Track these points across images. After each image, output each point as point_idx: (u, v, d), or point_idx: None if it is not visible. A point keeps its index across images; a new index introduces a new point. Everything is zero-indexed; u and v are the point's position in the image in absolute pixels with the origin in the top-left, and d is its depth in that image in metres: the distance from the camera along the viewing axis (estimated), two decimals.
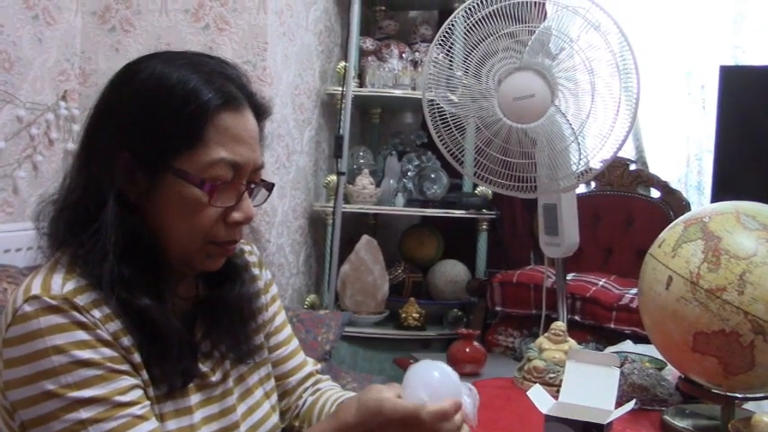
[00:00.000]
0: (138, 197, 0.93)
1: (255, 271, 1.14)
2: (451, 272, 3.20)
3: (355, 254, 2.96)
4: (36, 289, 0.87)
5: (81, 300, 0.88)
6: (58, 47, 2.39)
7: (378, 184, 3.11)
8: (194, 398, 0.98)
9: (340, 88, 2.98)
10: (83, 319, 0.87)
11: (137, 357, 0.91)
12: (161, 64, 0.95)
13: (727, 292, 1.27)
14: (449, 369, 0.96)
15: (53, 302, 0.86)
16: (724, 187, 2.67)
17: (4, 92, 2.13)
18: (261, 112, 1.00)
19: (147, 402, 0.90)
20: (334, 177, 2.97)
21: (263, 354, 1.11)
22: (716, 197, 2.75)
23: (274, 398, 1.12)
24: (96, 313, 0.88)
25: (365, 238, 2.99)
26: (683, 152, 3.35)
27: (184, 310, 1.01)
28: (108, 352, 0.88)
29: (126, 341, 0.90)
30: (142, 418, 0.88)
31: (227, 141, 0.93)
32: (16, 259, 1.93)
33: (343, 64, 3.03)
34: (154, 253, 0.94)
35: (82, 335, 0.86)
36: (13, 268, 1.67)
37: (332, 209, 2.96)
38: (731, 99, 2.71)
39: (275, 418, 1.10)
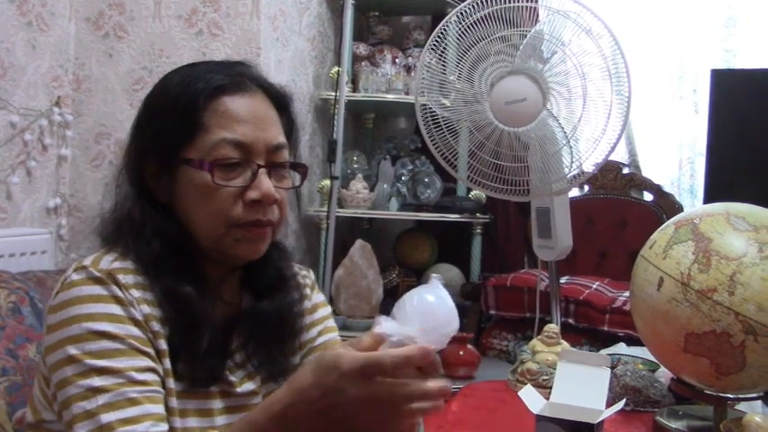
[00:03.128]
0: (166, 196, 1.00)
1: (306, 291, 1.14)
2: (446, 276, 3.20)
3: (349, 258, 2.96)
4: (87, 262, 0.94)
5: (124, 278, 0.93)
6: (51, 53, 2.39)
7: (372, 189, 3.11)
8: (217, 403, 0.99)
9: (333, 93, 2.99)
10: (120, 294, 0.92)
11: (163, 344, 0.93)
12: (173, 71, 1.04)
13: (717, 292, 1.27)
14: (445, 293, 0.86)
15: (97, 274, 0.92)
16: (716, 190, 2.67)
17: None
18: (280, 102, 1.03)
19: (161, 389, 0.91)
20: (327, 182, 2.97)
21: None
22: (708, 200, 2.76)
23: None
24: (135, 293, 0.93)
25: (359, 242, 2.99)
26: (675, 155, 3.36)
27: (225, 316, 1.03)
28: (135, 331, 0.91)
29: (156, 326, 0.93)
30: (151, 400, 0.89)
31: (227, 123, 0.97)
32: (10, 265, 1.93)
33: (336, 69, 3.03)
34: (190, 249, 0.98)
35: (115, 309, 0.91)
36: (6, 273, 1.66)
37: (326, 213, 2.96)
38: (723, 102, 2.72)
39: None
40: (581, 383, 1.02)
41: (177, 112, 0.97)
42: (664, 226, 1.45)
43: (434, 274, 0.93)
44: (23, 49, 2.23)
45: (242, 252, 0.99)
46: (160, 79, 1.04)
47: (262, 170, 0.98)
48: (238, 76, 1.01)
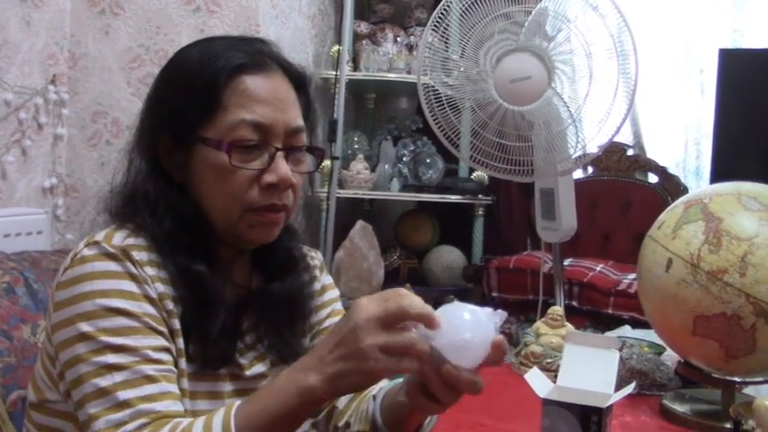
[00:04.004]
0: (181, 174, 0.97)
1: (316, 273, 1.13)
2: (447, 258, 3.18)
3: (350, 240, 2.93)
4: (99, 237, 0.91)
5: (138, 255, 0.90)
6: (46, 30, 2.35)
7: (373, 170, 3.07)
8: (227, 386, 0.97)
9: (334, 72, 2.94)
10: (135, 271, 0.89)
11: (176, 324, 0.91)
12: (190, 45, 1.01)
13: (728, 274, 1.24)
14: (479, 311, 0.81)
15: (111, 250, 0.89)
16: (723, 172, 2.64)
17: None
18: (299, 82, 1.00)
19: (175, 369, 0.89)
20: (328, 162, 2.93)
21: None
22: (714, 181, 2.72)
23: None
24: (150, 271, 0.90)
25: (360, 223, 2.96)
26: (681, 137, 3.32)
27: (236, 297, 1.01)
28: (150, 309, 0.88)
29: (170, 305, 0.91)
30: (168, 379, 0.87)
31: (247, 102, 0.94)
32: (5, 245, 1.90)
33: (336, 48, 2.99)
34: (203, 229, 0.96)
35: (130, 285, 0.88)
36: (1, 254, 1.63)
37: (326, 194, 2.93)
38: (731, 83, 2.68)
39: (306, 425, 1.07)
40: (589, 366, 0.99)
41: (196, 89, 0.94)
42: (672, 206, 1.42)
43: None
44: (18, 26, 2.19)
45: (256, 237, 0.97)
46: (176, 53, 1.01)
47: (279, 153, 0.95)
48: (258, 55, 0.97)
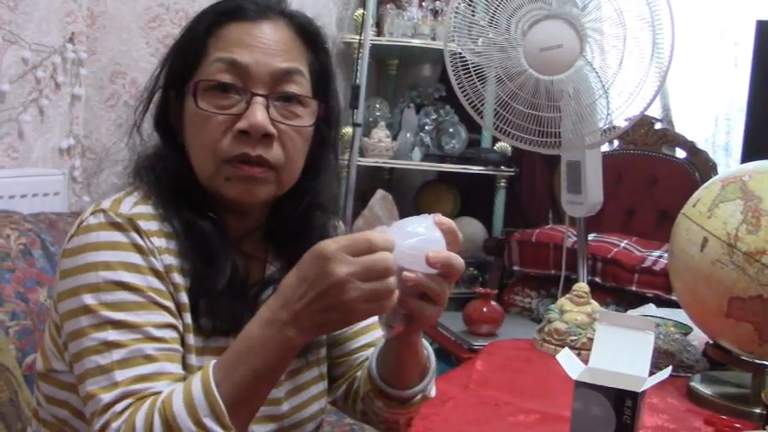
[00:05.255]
0: (181, 135, 0.94)
1: None
2: (468, 229, 3.14)
3: (369, 209, 2.86)
4: (106, 204, 0.88)
5: (146, 225, 0.87)
6: None
7: (394, 138, 3.02)
8: None
9: (357, 37, 2.88)
10: (141, 242, 0.86)
11: (184, 298, 0.88)
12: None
13: (766, 255, 1.19)
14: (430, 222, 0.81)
15: (117, 219, 0.86)
16: (755, 148, 2.56)
17: (8, 32, 2.04)
18: (306, 34, 0.95)
19: (179, 347, 0.86)
20: (349, 129, 2.88)
21: None
22: (746, 159, 2.65)
23: (324, 384, 1.05)
24: (157, 242, 0.87)
25: (380, 192, 2.88)
26: (711, 111, 3.24)
27: (249, 270, 0.97)
28: (155, 283, 0.85)
29: (178, 278, 0.87)
30: (168, 358, 0.83)
31: (226, 45, 0.90)
32: (21, 205, 1.87)
33: (360, 11, 2.92)
34: (201, 192, 0.92)
35: (135, 257, 0.85)
36: (17, 214, 1.61)
37: (346, 162, 2.88)
38: (767, 56, 2.58)
39: (323, 401, 1.05)
40: (622, 348, 0.96)
41: (188, 40, 0.93)
42: (709, 183, 1.37)
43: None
44: None
45: (233, 192, 0.90)
46: None
47: (257, 99, 0.88)
48: (253, 4, 0.93)
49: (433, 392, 1.03)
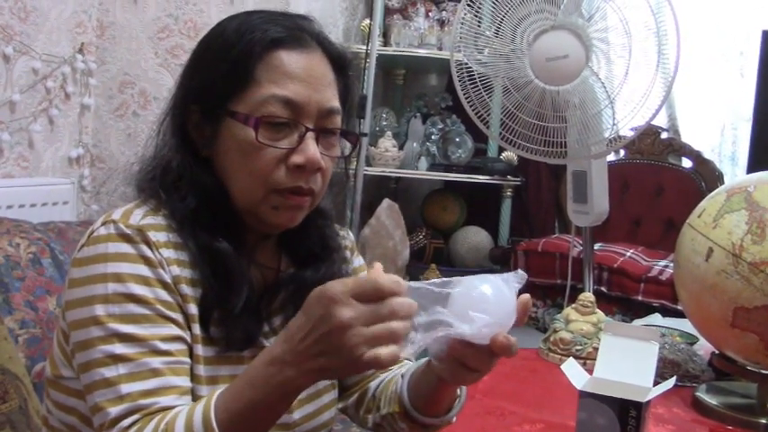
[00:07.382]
0: (207, 149, 0.94)
1: (347, 254, 1.09)
2: (474, 239, 3.14)
3: (376, 218, 2.90)
4: (116, 215, 0.89)
5: (155, 236, 0.88)
6: None
7: (400, 147, 3.03)
8: None
9: (364, 47, 2.89)
10: (149, 254, 0.86)
11: (192, 309, 0.88)
12: (230, 17, 0.97)
13: None
14: (498, 280, 0.78)
15: (126, 231, 0.87)
16: (761, 158, 2.56)
17: (19, 42, 2.07)
18: (339, 63, 0.96)
19: (187, 359, 0.86)
20: None
21: None
22: (753, 169, 2.64)
23: (335, 392, 1.06)
24: (166, 253, 0.87)
25: (386, 201, 2.92)
26: (717, 121, 3.23)
27: (262, 278, 0.98)
28: (163, 294, 0.86)
29: (186, 289, 0.88)
30: (174, 372, 0.84)
31: (279, 78, 0.91)
32: (31, 215, 1.89)
33: (367, 21, 2.93)
34: (226, 208, 0.93)
35: (143, 270, 0.86)
36: (27, 223, 1.62)
37: (353, 171, 2.89)
38: None
39: (333, 410, 1.05)
40: (627, 358, 0.96)
41: (229, 61, 0.91)
42: (714, 193, 1.37)
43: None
44: None
45: (278, 220, 0.93)
46: (216, 24, 0.98)
47: (310, 134, 0.91)
48: (298, 30, 0.94)
49: (455, 419, 1.03)
